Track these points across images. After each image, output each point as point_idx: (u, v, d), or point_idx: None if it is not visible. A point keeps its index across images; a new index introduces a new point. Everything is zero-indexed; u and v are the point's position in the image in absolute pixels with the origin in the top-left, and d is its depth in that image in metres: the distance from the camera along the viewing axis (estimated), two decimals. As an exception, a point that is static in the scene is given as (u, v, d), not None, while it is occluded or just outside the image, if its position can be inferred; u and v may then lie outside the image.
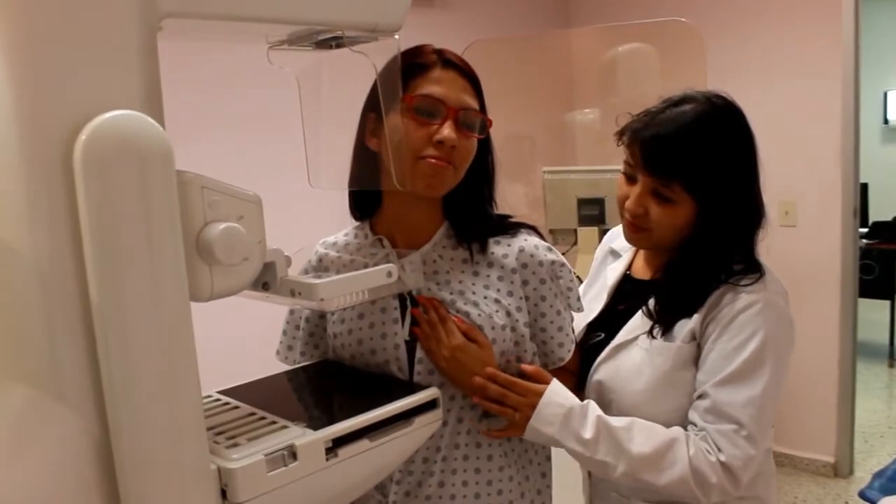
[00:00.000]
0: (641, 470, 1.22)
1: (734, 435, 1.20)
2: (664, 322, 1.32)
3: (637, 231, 1.35)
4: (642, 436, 1.23)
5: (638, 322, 1.36)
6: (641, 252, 1.49)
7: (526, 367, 1.28)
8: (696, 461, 1.20)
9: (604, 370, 1.38)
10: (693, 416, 1.26)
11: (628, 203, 1.33)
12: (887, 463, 2.67)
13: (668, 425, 1.26)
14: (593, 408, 1.26)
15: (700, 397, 1.25)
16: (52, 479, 0.75)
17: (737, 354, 1.23)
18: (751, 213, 1.32)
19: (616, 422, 1.25)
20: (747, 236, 1.33)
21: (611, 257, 1.57)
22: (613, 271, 1.52)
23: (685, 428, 1.26)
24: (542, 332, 1.31)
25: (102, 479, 0.76)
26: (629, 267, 1.50)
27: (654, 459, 1.21)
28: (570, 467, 1.42)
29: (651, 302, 1.35)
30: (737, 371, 1.22)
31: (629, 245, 1.48)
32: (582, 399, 1.30)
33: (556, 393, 1.26)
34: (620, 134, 1.34)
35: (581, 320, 1.46)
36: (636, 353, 1.34)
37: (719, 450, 1.20)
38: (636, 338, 1.35)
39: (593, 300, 1.51)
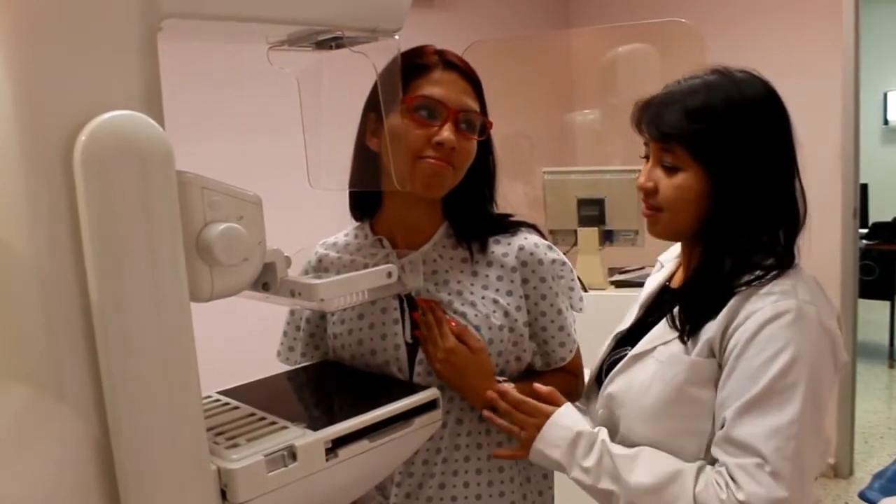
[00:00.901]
0: (640, 503, 1.09)
1: (756, 470, 1.01)
2: (687, 330, 1.15)
3: (651, 215, 1.21)
4: (645, 466, 1.10)
5: (659, 331, 1.21)
6: (683, 262, 1.31)
7: (540, 387, 1.22)
8: (702, 497, 1.04)
9: (617, 382, 1.23)
10: (714, 449, 1.08)
11: (638, 179, 1.23)
12: (887, 464, 2.67)
13: (678, 451, 1.11)
14: (602, 434, 1.17)
15: (722, 426, 1.07)
16: (52, 479, 0.75)
17: (761, 374, 1.04)
18: (779, 202, 1.16)
19: (620, 449, 1.14)
20: (778, 230, 1.16)
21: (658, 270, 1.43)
22: (651, 282, 1.39)
23: (706, 458, 1.10)
24: (543, 332, 1.31)
25: (102, 479, 0.76)
26: (670, 278, 1.35)
27: (652, 492, 1.08)
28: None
29: (677, 309, 1.19)
30: (760, 394, 1.03)
31: (673, 256, 1.37)
32: (592, 412, 1.26)
33: (566, 415, 1.19)
34: (633, 111, 1.24)
35: (609, 334, 1.37)
36: (651, 366, 1.18)
37: (737, 486, 1.01)
38: (654, 348, 1.19)
39: (629, 314, 1.38)
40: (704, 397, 1.11)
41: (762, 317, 1.06)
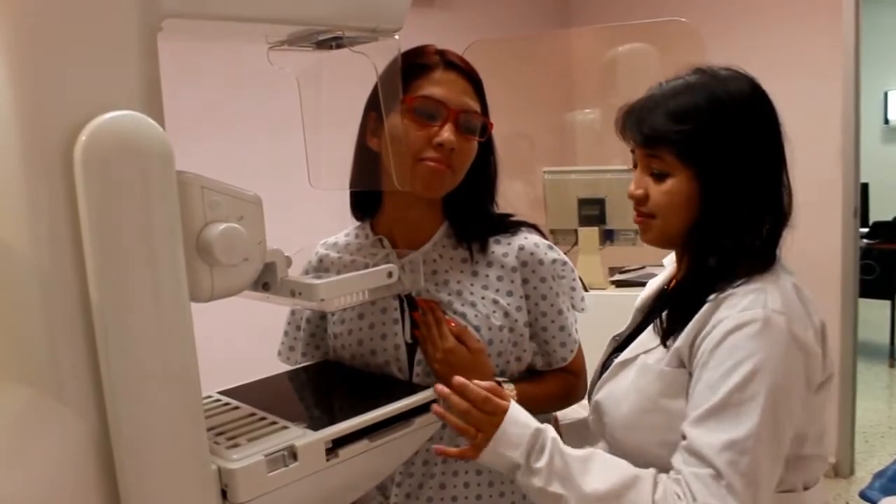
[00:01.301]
0: None
1: (711, 481, 0.97)
2: (670, 336, 1.12)
3: (643, 223, 1.19)
4: (600, 471, 1.03)
5: (644, 338, 1.19)
6: (676, 267, 1.29)
7: (480, 383, 1.09)
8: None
9: (604, 390, 1.22)
10: (674, 458, 1.04)
11: (629, 187, 1.19)
12: (888, 463, 2.67)
13: (654, 461, 1.06)
14: (550, 432, 1.08)
15: (683, 436, 1.04)
16: (53, 479, 0.75)
17: (720, 385, 1.01)
18: (764, 201, 1.13)
19: (571, 451, 1.06)
20: (760, 230, 1.14)
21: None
22: (652, 285, 1.36)
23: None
24: (544, 332, 1.31)
25: (102, 479, 0.76)
26: (669, 281, 1.30)
27: (607, 499, 1.00)
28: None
29: (663, 315, 1.17)
30: (718, 405, 1.00)
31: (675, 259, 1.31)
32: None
33: (520, 411, 1.09)
34: (616, 118, 1.21)
35: (609, 335, 1.34)
36: (631, 374, 1.16)
37: (693, 496, 0.98)
38: (636, 357, 1.17)
39: (631, 316, 1.35)
40: (676, 408, 1.08)
41: (726, 326, 1.03)
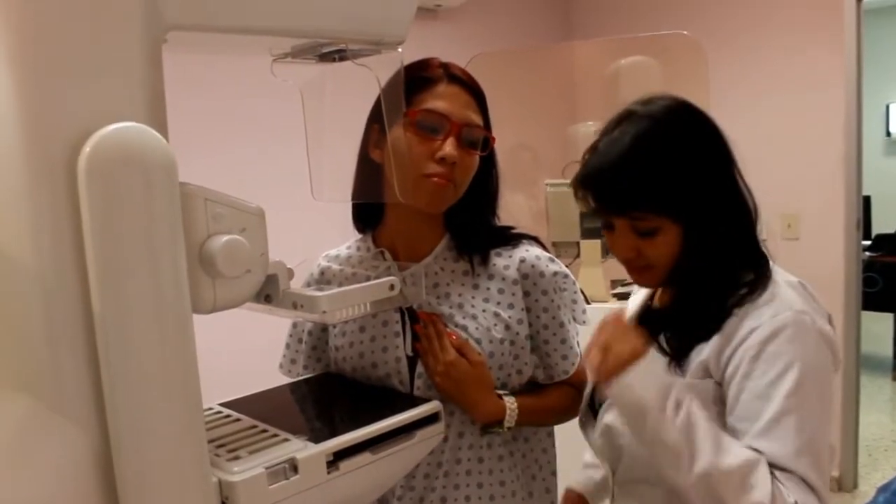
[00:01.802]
0: (719, 482, 1.02)
1: (802, 484, 1.01)
2: (677, 353, 1.14)
3: (640, 273, 1.20)
4: (731, 444, 1.04)
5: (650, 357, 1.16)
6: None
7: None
8: (778, 491, 1.00)
9: (613, 413, 1.20)
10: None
11: (616, 253, 1.20)
12: (892, 477, 2.66)
13: None
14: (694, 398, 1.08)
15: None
16: (53, 491, 0.75)
17: (773, 393, 1.04)
18: (737, 209, 1.16)
19: (704, 420, 1.06)
20: (744, 234, 1.17)
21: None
22: (634, 301, 1.37)
23: None
24: (545, 345, 1.31)
25: (103, 491, 0.76)
26: (651, 297, 1.33)
27: (737, 471, 1.01)
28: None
29: (664, 335, 1.18)
30: (778, 414, 1.03)
31: None
32: (591, 441, 1.23)
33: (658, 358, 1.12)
34: (573, 188, 1.20)
35: None
36: None
37: (789, 490, 1.01)
38: None
39: None
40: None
41: (763, 334, 1.06)
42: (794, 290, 1.11)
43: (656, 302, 1.30)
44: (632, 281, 1.27)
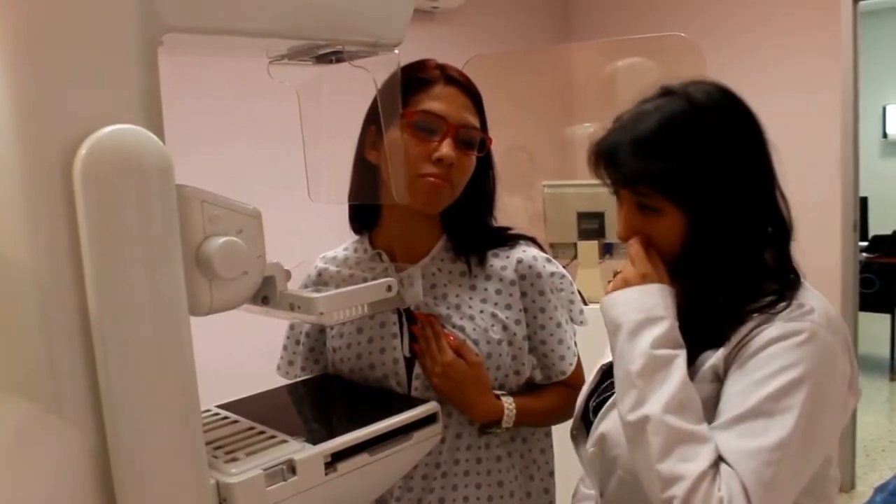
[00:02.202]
0: (656, 433, 0.95)
1: (740, 487, 0.92)
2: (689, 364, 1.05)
3: None
4: (693, 407, 0.98)
5: None
6: None
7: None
8: (710, 478, 0.92)
9: (608, 420, 1.14)
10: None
11: (617, 228, 1.15)
12: (889, 477, 2.66)
13: None
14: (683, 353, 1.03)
15: None
16: (50, 492, 0.75)
17: (756, 390, 0.96)
18: (763, 218, 1.09)
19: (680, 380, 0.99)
20: (767, 248, 1.09)
21: None
22: None
23: None
24: (543, 345, 1.31)
25: (100, 492, 0.76)
26: None
27: (678, 438, 0.95)
28: (575, 482, 1.40)
29: None
30: (748, 412, 0.95)
31: None
32: (582, 454, 1.20)
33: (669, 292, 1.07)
34: (589, 153, 1.15)
35: (595, 363, 1.28)
36: None
37: (719, 487, 0.92)
38: None
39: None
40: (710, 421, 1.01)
41: (770, 334, 0.99)
42: (825, 310, 1.02)
43: None
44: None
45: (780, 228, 1.10)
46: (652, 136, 1.07)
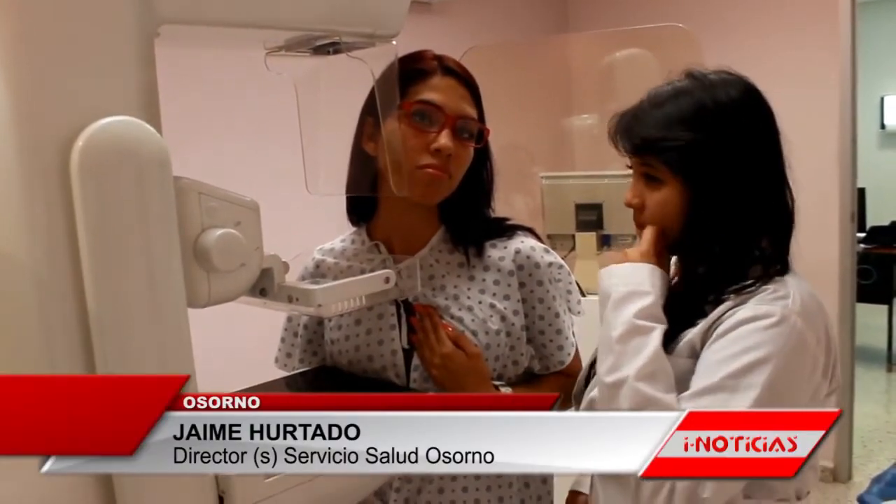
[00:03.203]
0: (623, 396, 1.02)
1: None
2: (666, 337, 1.09)
3: (639, 227, 1.19)
4: (664, 374, 1.03)
5: None
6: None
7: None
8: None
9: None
10: None
11: (626, 195, 1.19)
12: (886, 468, 2.67)
13: None
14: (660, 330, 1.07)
15: None
16: (50, 491, 0.75)
17: (721, 366, 1.00)
18: (764, 207, 1.12)
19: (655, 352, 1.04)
20: (764, 237, 1.12)
21: None
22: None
23: None
24: (541, 335, 1.31)
25: (99, 488, 0.76)
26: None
27: (648, 402, 1.01)
28: (572, 475, 1.41)
29: None
30: (710, 386, 0.99)
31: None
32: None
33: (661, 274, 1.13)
34: (609, 125, 1.21)
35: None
36: None
37: None
38: None
39: None
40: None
41: (742, 315, 1.02)
42: (801, 298, 1.05)
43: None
44: None
45: (781, 220, 1.13)
46: (667, 112, 1.12)
